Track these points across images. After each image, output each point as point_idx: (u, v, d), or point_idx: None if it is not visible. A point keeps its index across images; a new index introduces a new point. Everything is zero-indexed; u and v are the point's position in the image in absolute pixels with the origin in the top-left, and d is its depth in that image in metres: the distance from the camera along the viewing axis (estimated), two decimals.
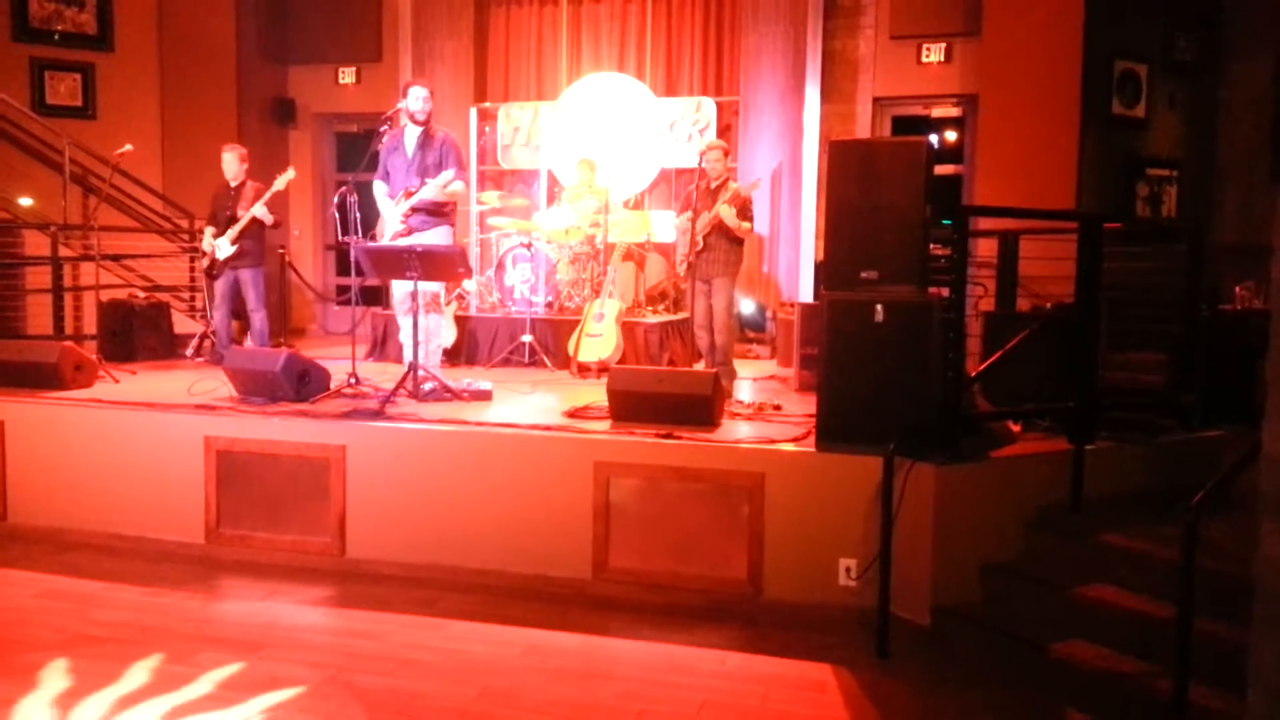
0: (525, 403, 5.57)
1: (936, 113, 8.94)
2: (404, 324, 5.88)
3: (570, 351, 6.96)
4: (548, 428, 4.63)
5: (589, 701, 3.34)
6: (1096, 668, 3.31)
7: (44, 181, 8.36)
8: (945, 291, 4.16)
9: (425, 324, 5.55)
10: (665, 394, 4.69)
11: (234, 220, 6.82)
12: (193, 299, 8.43)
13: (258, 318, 6.99)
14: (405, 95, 5.70)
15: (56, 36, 8.64)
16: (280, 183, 6.75)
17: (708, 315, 5.94)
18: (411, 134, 5.73)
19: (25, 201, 8.39)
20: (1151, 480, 4.45)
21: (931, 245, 4.33)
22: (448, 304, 7.14)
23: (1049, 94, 7.04)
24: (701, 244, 5.84)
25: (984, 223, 6.20)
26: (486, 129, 9.49)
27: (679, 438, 4.41)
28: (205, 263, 7.01)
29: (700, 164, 5.96)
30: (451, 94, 9.30)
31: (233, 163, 6.95)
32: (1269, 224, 2.46)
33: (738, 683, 3.52)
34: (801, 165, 8.63)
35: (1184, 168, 7.35)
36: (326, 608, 4.26)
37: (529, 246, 7.79)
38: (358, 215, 5.64)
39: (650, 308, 7.92)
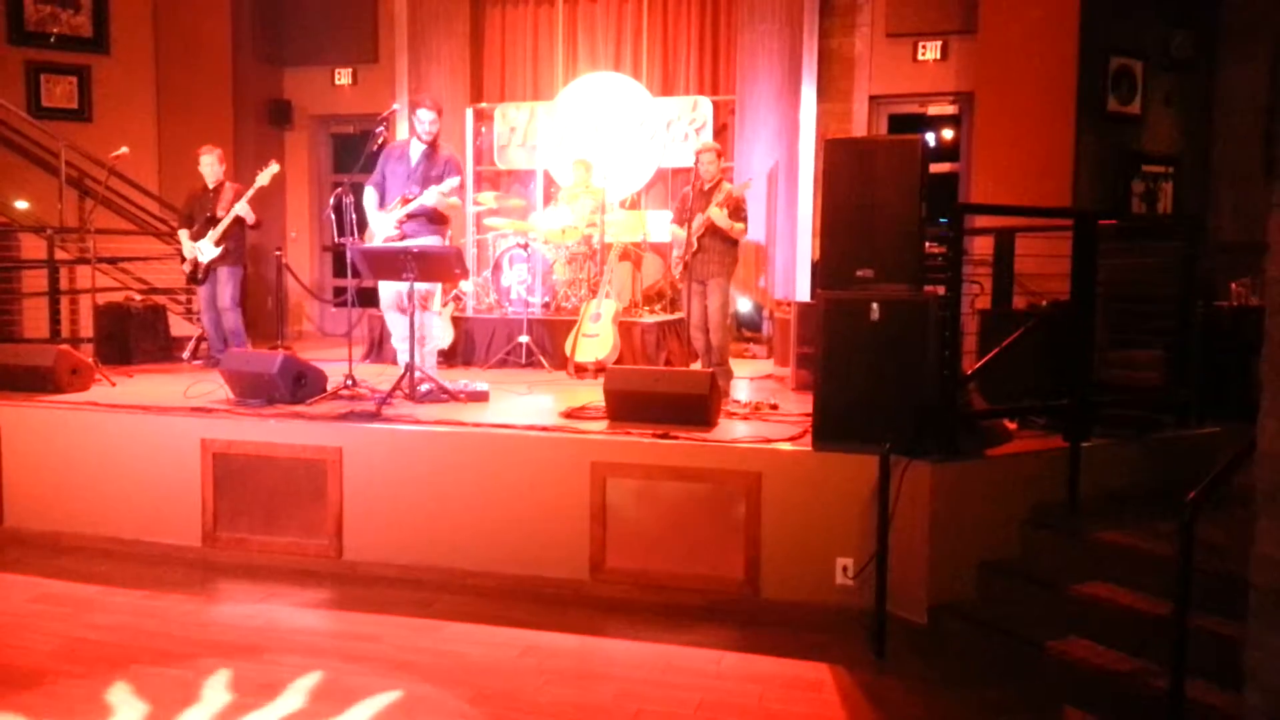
0: (522, 403, 5.57)
1: (933, 111, 8.93)
2: (393, 323, 5.88)
3: (567, 352, 6.96)
4: (545, 428, 4.63)
5: (586, 702, 3.34)
6: (1093, 665, 3.31)
7: (40, 184, 8.36)
8: (941, 289, 4.17)
9: (418, 323, 5.54)
10: (662, 394, 4.68)
11: (214, 222, 6.78)
12: (189, 302, 8.42)
13: (230, 317, 6.92)
14: (413, 113, 5.71)
15: (52, 39, 8.62)
16: (264, 177, 6.70)
17: (703, 316, 5.94)
18: (417, 146, 5.78)
19: (21, 204, 8.39)
20: (1147, 477, 4.45)
21: (927, 243, 4.33)
22: (445, 305, 7.14)
23: (1045, 91, 7.04)
24: (696, 245, 5.85)
25: (980, 220, 6.19)
26: (483, 129, 9.48)
27: (676, 438, 4.41)
28: (187, 269, 6.93)
29: (695, 166, 5.98)
30: (448, 95, 9.26)
31: (211, 164, 6.92)
32: (1264, 220, 2.46)
33: (735, 682, 3.52)
34: (798, 164, 8.63)
35: (1180, 164, 7.35)
36: (324, 610, 4.26)
37: (525, 247, 7.79)
38: (354, 217, 5.63)
39: (647, 308, 7.92)
